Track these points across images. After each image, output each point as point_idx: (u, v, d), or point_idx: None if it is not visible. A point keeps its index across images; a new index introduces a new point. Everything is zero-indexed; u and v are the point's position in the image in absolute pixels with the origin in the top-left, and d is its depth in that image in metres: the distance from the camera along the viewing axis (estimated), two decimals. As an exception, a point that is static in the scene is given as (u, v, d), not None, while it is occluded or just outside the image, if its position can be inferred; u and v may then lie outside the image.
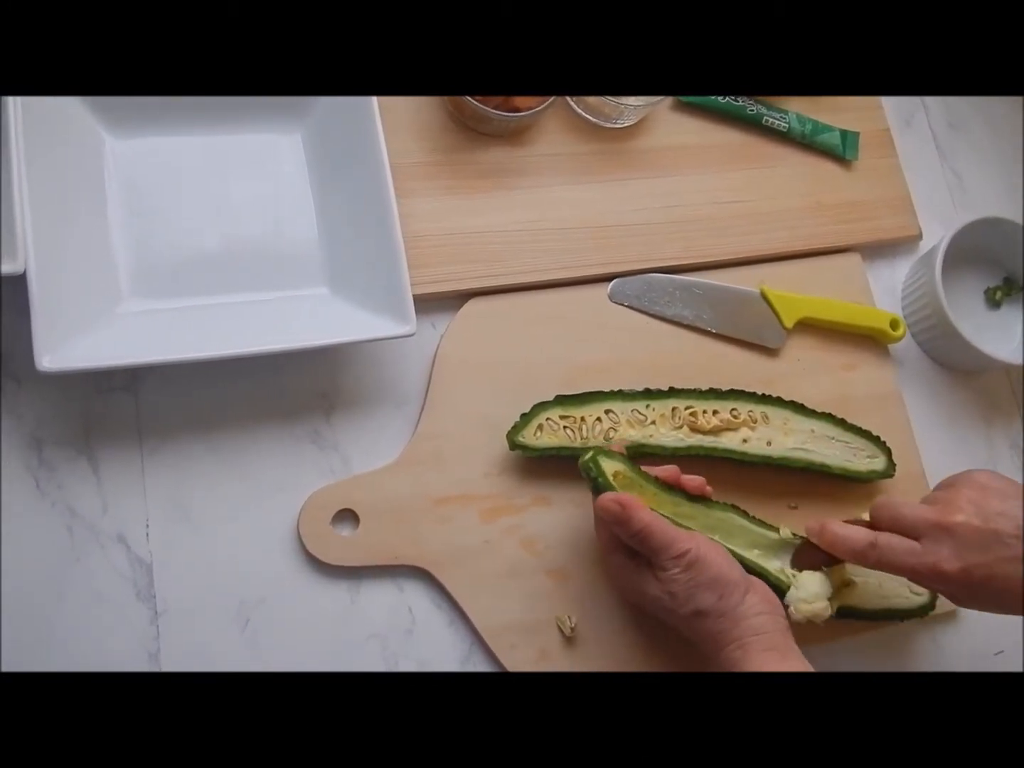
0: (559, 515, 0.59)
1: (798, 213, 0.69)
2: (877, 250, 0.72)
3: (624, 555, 0.53)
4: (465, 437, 0.59)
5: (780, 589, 0.55)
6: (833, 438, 0.62)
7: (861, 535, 0.52)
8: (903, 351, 0.70)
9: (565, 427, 0.58)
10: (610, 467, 0.54)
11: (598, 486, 0.53)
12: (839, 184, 0.71)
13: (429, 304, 0.61)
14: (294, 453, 0.57)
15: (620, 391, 0.60)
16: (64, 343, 0.50)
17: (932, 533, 0.50)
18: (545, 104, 0.62)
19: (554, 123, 0.66)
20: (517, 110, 0.62)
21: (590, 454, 0.54)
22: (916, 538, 0.51)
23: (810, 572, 0.56)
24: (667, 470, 0.55)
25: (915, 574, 0.51)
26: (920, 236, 0.73)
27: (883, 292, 0.71)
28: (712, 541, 0.53)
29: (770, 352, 0.66)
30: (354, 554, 0.55)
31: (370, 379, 0.59)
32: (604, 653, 0.57)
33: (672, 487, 0.55)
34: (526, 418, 0.57)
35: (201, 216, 0.57)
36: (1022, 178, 0.76)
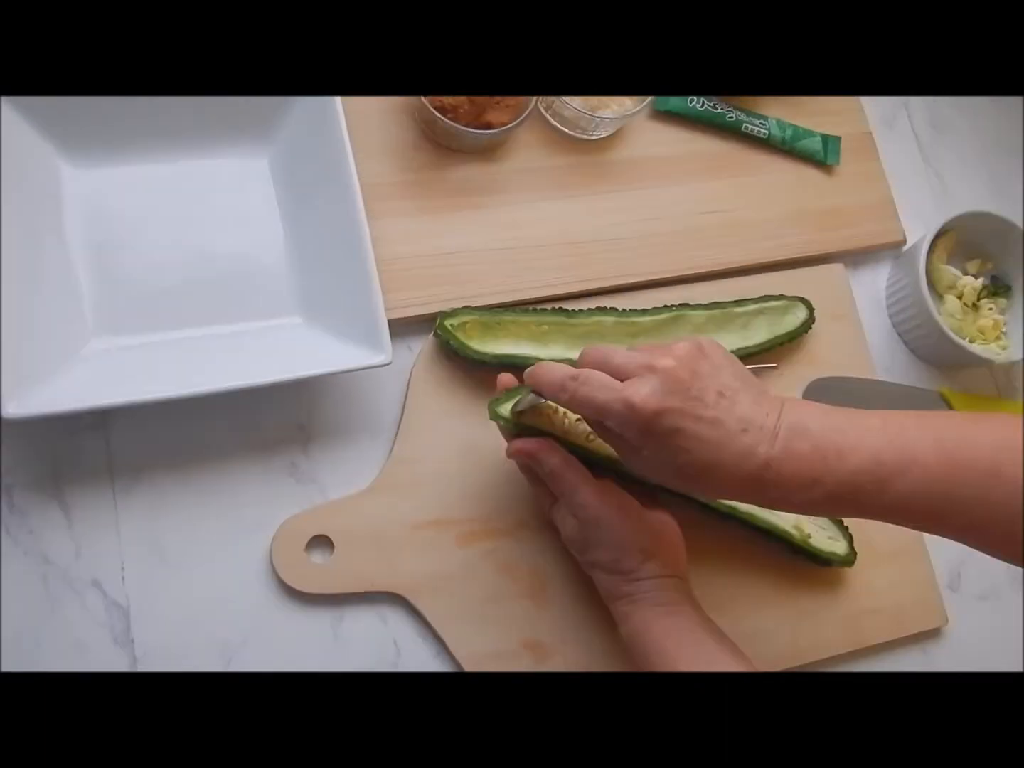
0: (537, 539, 0.58)
1: (780, 222, 0.68)
2: (860, 257, 0.72)
3: (545, 489, 0.55)
4: (441, 461, 0.58)
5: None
6: None
7: (563, 368, 0.49)
8: (884, 345, 0.70)
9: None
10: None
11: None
12: (821, 191, 0.70)
13: (406, 327, 0.60)
14: (272, 487, 0.56)
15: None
16: (30, 387, 0.48)
17: (638, 372, 0.46)
18: (518, 120, 0.60)
19: (528, 136, 0.65)
20: (489, 126, 0.60)
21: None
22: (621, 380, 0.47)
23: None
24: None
25: (606, 409, 0.46)
26: (904, 242, 0.72)
27: (867, 300, 0.71)
28: (624, 502, 0.53)
29: None
30: (329, 581, 0.54)
31: (347, 407, 0.58)
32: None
33: (530, 309, 0.59)
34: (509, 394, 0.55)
35: (167, 247, 0.56)
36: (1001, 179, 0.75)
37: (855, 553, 0.61)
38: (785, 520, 0.60)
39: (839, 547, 0.61)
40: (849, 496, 0.44)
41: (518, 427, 0.54)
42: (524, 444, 0.53)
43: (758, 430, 0.44)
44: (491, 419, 0.54)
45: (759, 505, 0.47)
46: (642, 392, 0.45)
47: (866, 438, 0.44)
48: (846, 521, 0.62)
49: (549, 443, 0.53)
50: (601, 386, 0.46)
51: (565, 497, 0.53)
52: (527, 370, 0.51)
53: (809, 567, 0.61)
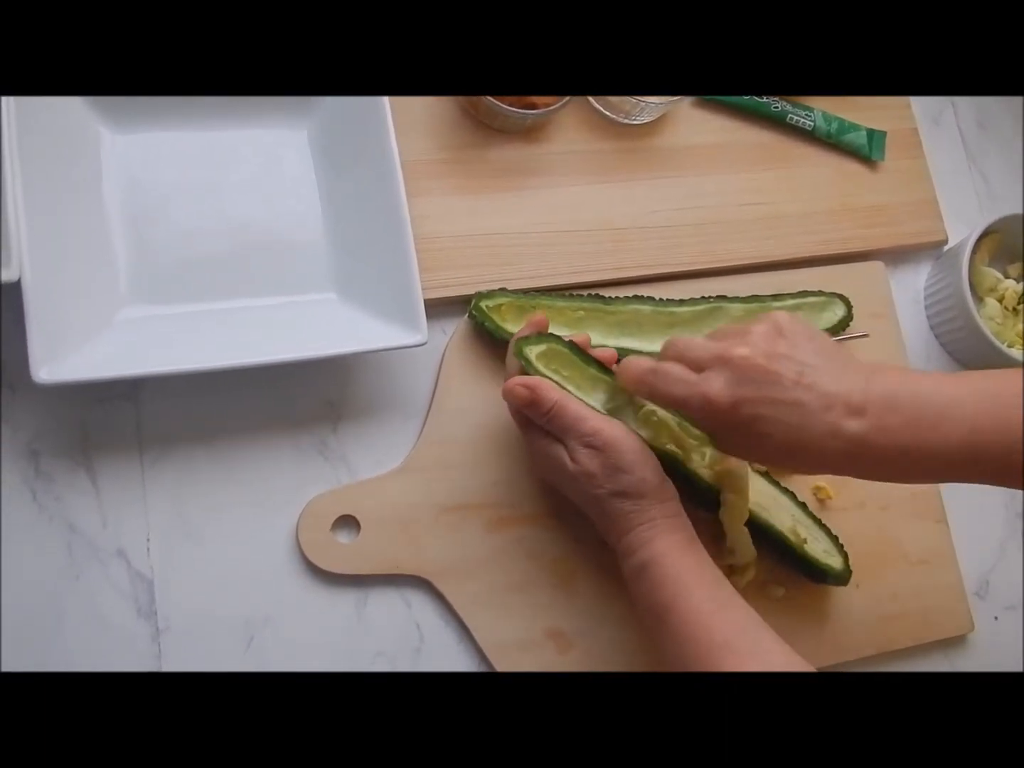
0: (566, 528, 0.57)
1: (822, 217, 0.67)
2: (901, 255, 0.70)
3: (541, 434, 0.52)
4: (471, 444, 0.57)
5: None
6: (792, 515, 0.58)
7: (645, 363, 0.50)
8: (920, 346, 0.69)
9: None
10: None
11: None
12: (864, 186, 0.69)
13: (440, 308, 0.59)
14: (300, 465, 0.55)
15: None
16: (62, 353, 0.48)
17: (713, 365, 0.47)
18: (563, 101, 0.60)
19: (571, 119, 0.64)
20: (533, 107, 0.59)
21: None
22: (699, 372, 0.48)
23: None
24: (582, 336, 0.54)
25: (685, 405, 0.47)
26: (946, 241, 0.70)
27: (905, 299, 0.69)
28: (625, 426, 0.51)
29: None
30: (354, 562, 0.54)
31: (380, 387, 0.57)
32: (607, 669, 0.56)
33: (567, 295, 0.56)
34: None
35: (203, 216, 0.55)
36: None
37: (850, 571, 0.58)
38: (782, 523, 0.57)
39: (835, 562, 0.58)
40: (946, 466, 0.44)
41: (536, 374, 0.52)
42: (525, 379, 0.51)
43: (843, 406, 0.44)
44: (515, 355, 0.52)
45: (858, 477, 0.47)
46: (715, 386, 0.45)
47: (959, 406, 0.44)
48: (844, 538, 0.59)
49: (546, 381, 0.51)
50: (677, 380, 0.47)
51: (572, 431, 0.50)
52: (623, 362, 0.51)
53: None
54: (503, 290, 0.58)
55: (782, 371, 0.45)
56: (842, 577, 0.58)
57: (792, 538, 0.57)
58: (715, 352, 0.47)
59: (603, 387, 0.54)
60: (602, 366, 0.54)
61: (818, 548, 0.58)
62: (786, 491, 0.59)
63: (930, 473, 0.46)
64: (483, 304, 0.57)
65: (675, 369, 0.48)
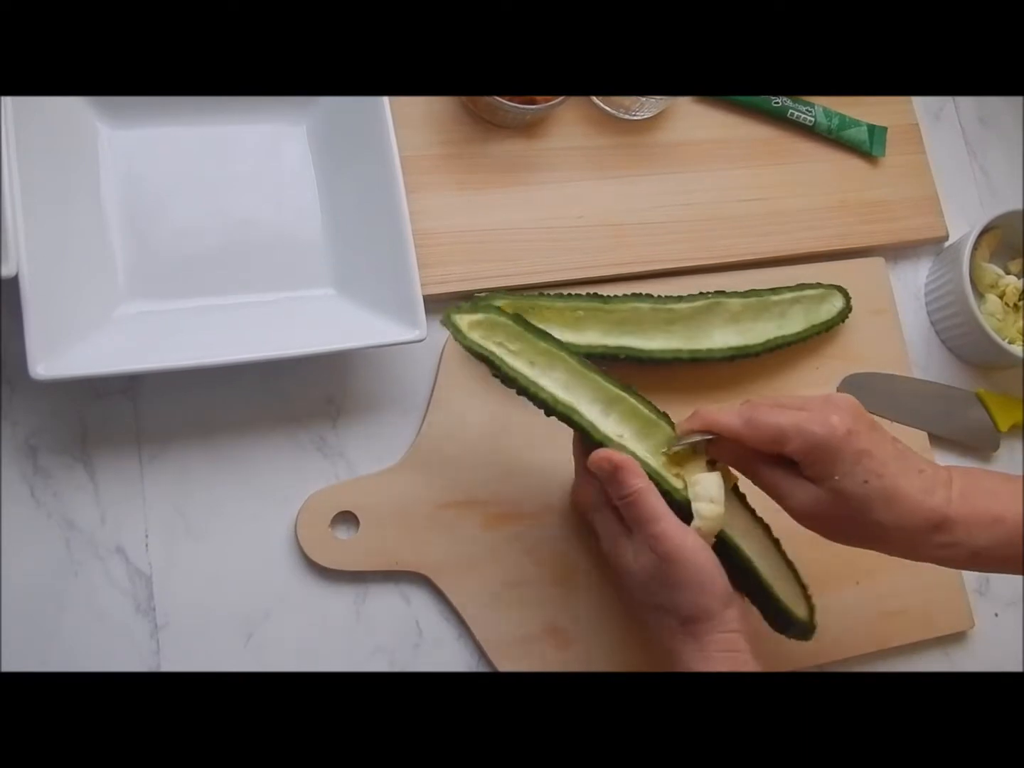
0: (564, 525, 0.57)
1: (822, 213, 0.67)
2: (901, 251, 0.70)
3: (612, 512, 0.49)
4: (470, 441, 0.57)
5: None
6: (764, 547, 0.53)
7: (735, 404, 0.49)
8: (921, 342, 0.69)
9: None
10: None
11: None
12: (865, 182, 0.69)
13: (439, 304, 0.58)
14: (299, 461, 0.55)
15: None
16: (60, 349, 0.48)
17: (819, 406, 0.47)
18: (562, 97, 0.59)
19: (571, 115, 0.64)
20: (533, 102, 0.59)
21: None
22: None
23: (706, 474, 0.49)
24: None
25: (793, 432, 0.46)
26: (946, 237, 0.70)
27: (905, 295, 0.69)
28: (702, 544, 0.47)
29: (983, 455, 0.67)
30: (353, 558, 0.54)
31: (378, 383, 0.57)
32: (606, 666, 0.56)
33: (565, 295, 0.56)
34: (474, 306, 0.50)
35: (201, 211, 0.55)
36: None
37: (814, 627, 0.53)
38: (752, 552, 0.51)
39: (800, 610, 0.52)
40: None
41: (468, 343, 0.48)
42: (611, 454, 0.48)
43: (933, 475, 0.47)
44: (443, 324, 0.49)
45: (935, 553, 0.47)
46: (832, 418, 0.46)
47: None
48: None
49: (636, 465, 0.48)
50: (782, 412, 0.47)
51: (640, 526, 0.47)
52: (693, 413, 0.49)
53: (834, 565, 0.60)
54: (499, 295, 0.56)
55: (882, 430, 0.48)
56: (805, 629, 0.52)
57: (764, 573, 0.51)
58: (818, 398, 0.48)
59: (561, 366, 0.50)
60: (557, 341, 0.50)
61: (788, 591, 0.52)
62: (760, 521, 0.53)
63: (1017, 549, 0.47)
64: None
65: (774, 407, 0.48)
